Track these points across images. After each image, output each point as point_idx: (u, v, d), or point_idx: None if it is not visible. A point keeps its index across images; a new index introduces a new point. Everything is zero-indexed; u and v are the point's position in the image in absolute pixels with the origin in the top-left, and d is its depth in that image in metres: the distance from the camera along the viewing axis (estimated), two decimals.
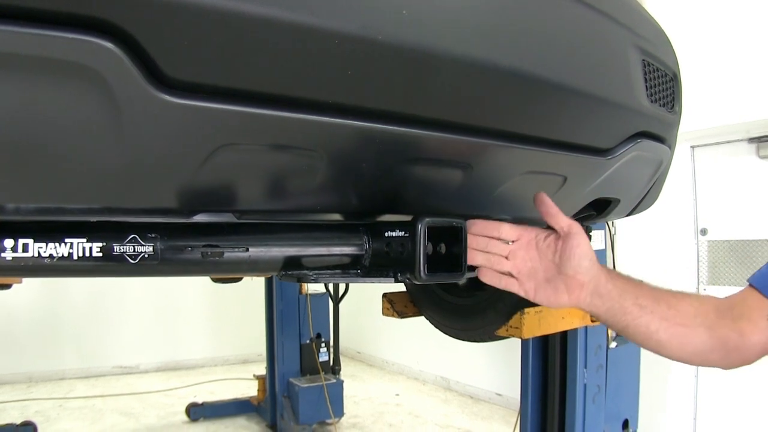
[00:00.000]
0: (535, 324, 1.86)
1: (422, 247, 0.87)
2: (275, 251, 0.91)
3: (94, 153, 0.68)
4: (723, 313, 0.92)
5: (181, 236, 0.86)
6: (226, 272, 0.94)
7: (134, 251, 0.84)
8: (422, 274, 0.87)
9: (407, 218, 0.94)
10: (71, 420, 4.43)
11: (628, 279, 0.96)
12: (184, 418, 4.49)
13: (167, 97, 0.64)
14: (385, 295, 2.52)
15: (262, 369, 4.69)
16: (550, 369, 2.39)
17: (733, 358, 0.93)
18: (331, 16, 0.64)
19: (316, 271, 0.94)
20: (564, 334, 2.32)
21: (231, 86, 0.66)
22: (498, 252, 0.97)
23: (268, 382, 4.56)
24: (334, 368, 4.63)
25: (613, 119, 1.12)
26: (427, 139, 0.86)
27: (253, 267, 0.91)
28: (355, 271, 0.96)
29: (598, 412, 2.26)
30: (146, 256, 0.85)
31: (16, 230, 0.81)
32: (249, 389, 4.86)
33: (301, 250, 0.93)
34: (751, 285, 0.93)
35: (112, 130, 0.66)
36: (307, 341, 4.53)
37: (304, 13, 0.63)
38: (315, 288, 4.61)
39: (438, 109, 0.85)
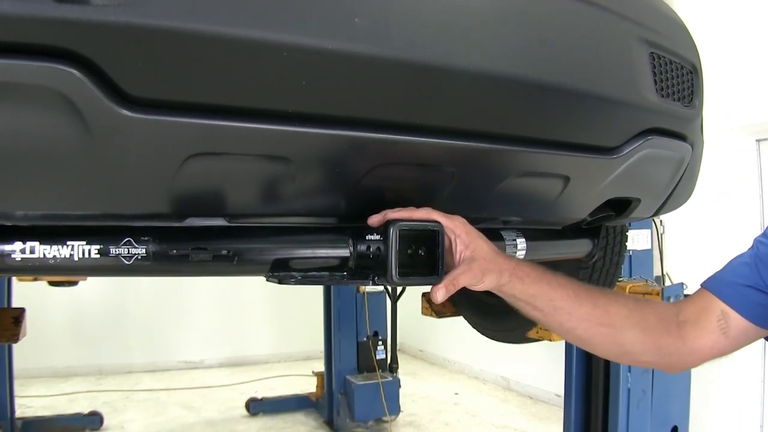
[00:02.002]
0: None
1: (394, 251, 0.88)
2: (262, 253, 0.95)
3: (74, 166, 0.75)
4: (666, 318, 0.91)
5: (171, 239, 0.91)
6: (215, 273, 0.99)
7: (128, 253, 0.90)
8: (394, 277, 0.89)
9: None
10: (136, 411, 4.69)
11: (544, 280, 0.96)
12: (244, 412, 4.65)
13: (130, 114, 0.69)
14: (424, 294, 2.53)
15: (323, 366, 4.79)
16: (594, 372, 2.33)
17: (671, 361, 0.94)
18: (276, 29, 0.67)
19: (302, 273, 0.97)
20: None
21: (189, 101, 0.71)
22: None
23: (326, 379, 4.65)
24: (392, 366, 4.65)
25: (615, 117, 1.09)
26: (404, 144, 0.88)
27: (241, 268, 0.95)
28: (341, 273, 0.98)
29: (643, 417, 2.18)
30: (139, 257, 0.91)
31: (24, 234, 0.89)
32: (309, 385, 4.97)
33: (287, 253, 0.96)
34: (703, 287, 0.91)
35: (86, 146, 0.71)
36: (364, 339, 4.58)
37: (247, 27, 0.66)
38: (373, 286, 4.65)
39: (411, 113, 0.86)
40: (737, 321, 0.88)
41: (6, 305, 3.09)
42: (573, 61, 0.99)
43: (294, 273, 0.97)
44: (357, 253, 0.96)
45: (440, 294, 0.90)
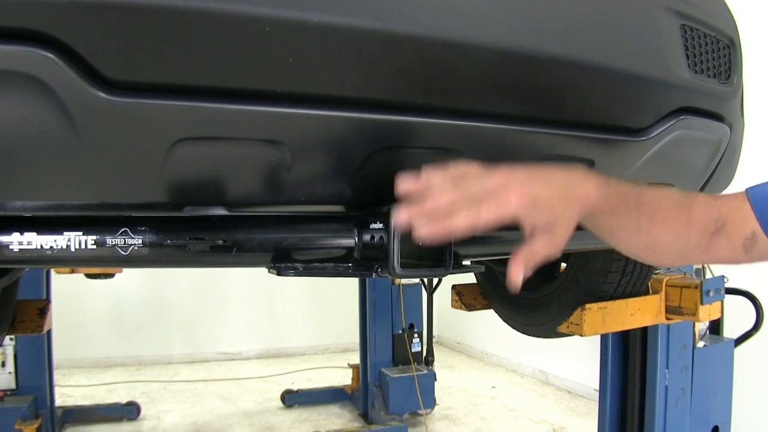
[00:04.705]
0: (598, 321, 1.74)
1: (396, 241, 0.83)
2: (263, 244, 0.92)
3: (60, 153, 0.72)
4: (707, 232, 0.84)
5: (168, 229, 0.89)
6: (214, 264, 0.96)
7: (125, 243, 0.89)
8: (396, 269, 0.84)
9: None
10: (174, 402, 4.77)
11: (626, 200, 0.82)
12: (280, 404, 4.68)
13: (110, 98, 0.66)
14: (454, 287, 2.47)
15: (359, 358, 4.78)
16: (630, 368, 2.24)
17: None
18: (256, 2, 0.63)
19: (303, 265, 0.93)
20: (644, 331, 2.15)
21: (170, 82, 0.67)
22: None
23: (361, 371, 4.64)
24: (427, 359, 4.62)
25: (642, 95, 1.01)
26: (407, 126, 0.82)
27: (240, 259, 0.92)
28: (345, 264, 0.94)
29: (681, 416, 2.08)
30: (136, 247, 0.89)
31: (21, 225, 0.88)
32: (346, 378, 4.97)
33: (287, 243, 0.92)
34: (745, 193, 0.82)
35: (69, 132, 0.69)
36: (400, 332, 4.55)
37: (225, 1, 0.62)
38: (409, 279, 4.60)
39: (412, 92, 0.80)
40: (764, 245, 0.80)
41: (45, 297, 3.16)
42: (594, 34, 0.91)
43: (296, 264, 0.93)
44: (362, 244, 0.92)
45: (518, 273, 0.71)
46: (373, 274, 0.89)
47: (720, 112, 1.16)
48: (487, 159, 0.95)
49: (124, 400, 4.31)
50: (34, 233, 0.88)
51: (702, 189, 1.35)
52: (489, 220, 0.71)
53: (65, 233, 0.88)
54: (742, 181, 1.55)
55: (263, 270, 1.00)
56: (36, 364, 3.49)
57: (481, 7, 0.80)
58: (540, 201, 0.73)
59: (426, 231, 0.70)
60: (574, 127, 0.98)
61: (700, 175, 1.29)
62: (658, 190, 0.89)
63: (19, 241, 0.88)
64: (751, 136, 1.52)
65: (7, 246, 0.88)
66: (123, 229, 0.89)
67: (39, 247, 0.88)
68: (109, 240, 0.88)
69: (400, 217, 0.71)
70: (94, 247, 0.88)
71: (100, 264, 0.91)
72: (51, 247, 0.88)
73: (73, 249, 0.88)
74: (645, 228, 0.84)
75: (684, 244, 0.86)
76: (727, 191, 1.49)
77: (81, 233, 0.88)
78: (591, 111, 0.98)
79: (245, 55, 0.66)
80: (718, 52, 1.12)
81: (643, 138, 1.06)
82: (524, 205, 0.72)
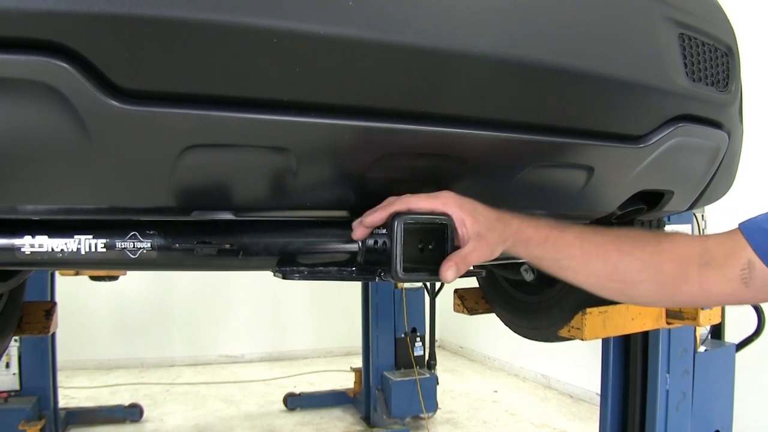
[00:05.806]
0: (599, 325, 1.75)
1: (399, 245, 0.85)
2: (268, 248, 0.94)
3: (72, 159, 0.74)
4: (687, 261, 0.84)
5: (176, 233, 0.91)
6: (221, 267, 0.98)
7: (134, 247, 0.90)
8: (399, 273, 0.85)
9: None
10: (176, 404, 4.79)
11: (550, 240, 0.91)
12: (282, 407, 4.69)
13: (122, 106, 0.68)
14: (456, 291, 2.48)
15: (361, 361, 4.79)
16: (631, 373, 2.25)
17: (683, 305, 0.90)
18: (263, 14, 0.65)
19: (308, 268, 0.95)
20: (645, 336, 2.16)
21: (181, 91, 0.69)
22: None
23: (363, 375, 4.65)
24: (430, 363, 4.63)
25: (641, 103, 1.03)
26: (410, 134, 0.84)
27: (246, 263, 0.93)
28: (349, 268, 0.96)
29: (682, 420, 2.09)
30: (145, 251, 0.91)
31: (33, 228, 0.90)
32: (348, 381, 4.98)
33: (292, 247, 0.94)
34: (738, 227, 0.82)
35: (82, 139, 0.71)
36: (402, 335, 4.56)
37: (232, 13, 0.64)
38: (411, 283, 4.60)
39: (417, 101, 0.82)
40: (762, 273, 0.79)
41: (50, 299, 3.19)
42: (594, 43, 0.93)
43: (301, 268, 0.95)
44: (365, 248, 0.94)
45: (450, 273, 0.85)
46: (377, 278, 0.91)
47: (718, 119, 1.18)
48: (491, 166, 0.98)
49: (127, 402, 4.33)
50: (46, 236, 0.89)
51: (701, 195, 1.37)
52: (421, 207, 0.87)
53: (76, 236, 0.90)
54: (741, 183, 1.56)
55: (266, 273, 1.02)
56: (40, 366, 3.51)
57: (483, 17, 0.82)
58: (478, 212, 0.89)
59: (369, 219, 0.89)
60: (574, 134, 1.00)
61: (699, 181, 1.31)
62: (617, 227, 0.96)
63: (30, 243, 0.89)
64: (750, 140, 1.54)
65: (19, 248, 0.89)
66: (132, 233, 0.91)
67: (50, 249, 0.89)
68: (119, 243, 0.90)
69: (356, 232, 0.91)
70: (104, 250, 0.90)
71: (109, 267, 0.93)
72: (62, 249, 0.90)
73: (83, 252, 0.90)
74: (595, 256, 0.90)
75: (657, 273, 0.87)
76: (727, 196, 1.50)
77: (91, 236, 0.90)
78: (590, 119, 1.00)
79: (253, 65, 0.68)
80: (716, 60, 1.14)
81: (642, 145, 1.08)
82: (464, 211, 0.88)
